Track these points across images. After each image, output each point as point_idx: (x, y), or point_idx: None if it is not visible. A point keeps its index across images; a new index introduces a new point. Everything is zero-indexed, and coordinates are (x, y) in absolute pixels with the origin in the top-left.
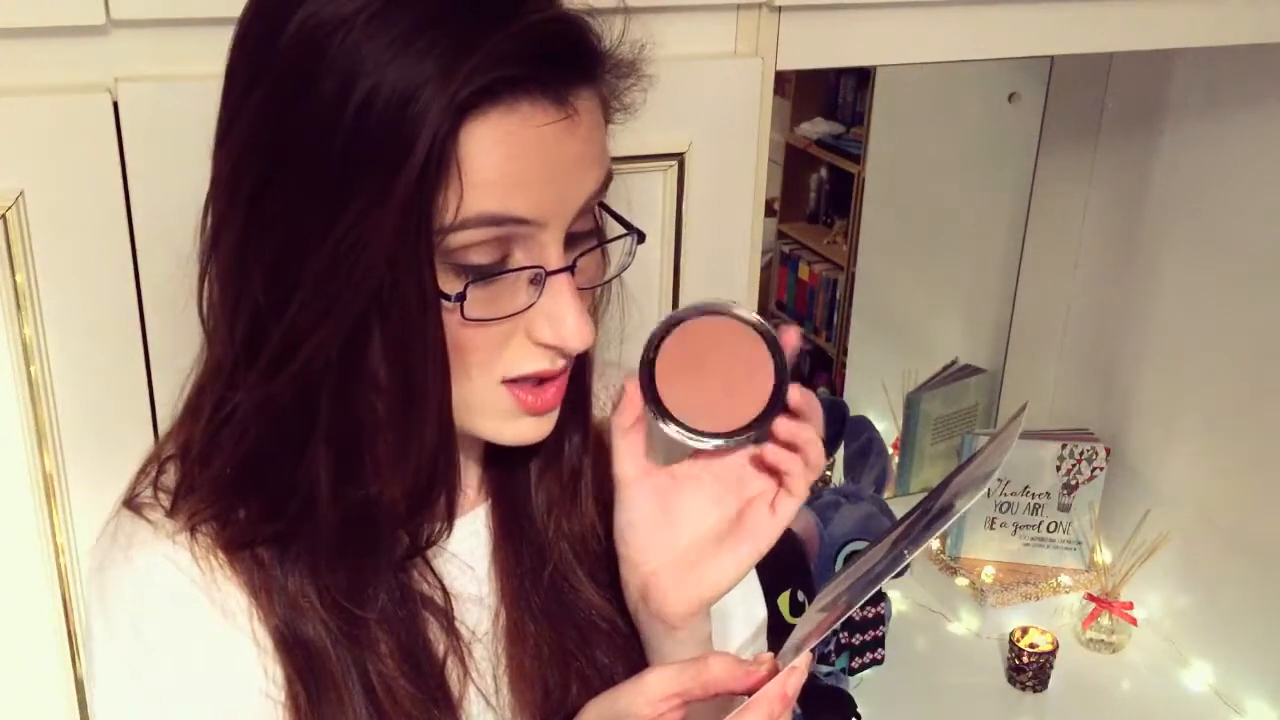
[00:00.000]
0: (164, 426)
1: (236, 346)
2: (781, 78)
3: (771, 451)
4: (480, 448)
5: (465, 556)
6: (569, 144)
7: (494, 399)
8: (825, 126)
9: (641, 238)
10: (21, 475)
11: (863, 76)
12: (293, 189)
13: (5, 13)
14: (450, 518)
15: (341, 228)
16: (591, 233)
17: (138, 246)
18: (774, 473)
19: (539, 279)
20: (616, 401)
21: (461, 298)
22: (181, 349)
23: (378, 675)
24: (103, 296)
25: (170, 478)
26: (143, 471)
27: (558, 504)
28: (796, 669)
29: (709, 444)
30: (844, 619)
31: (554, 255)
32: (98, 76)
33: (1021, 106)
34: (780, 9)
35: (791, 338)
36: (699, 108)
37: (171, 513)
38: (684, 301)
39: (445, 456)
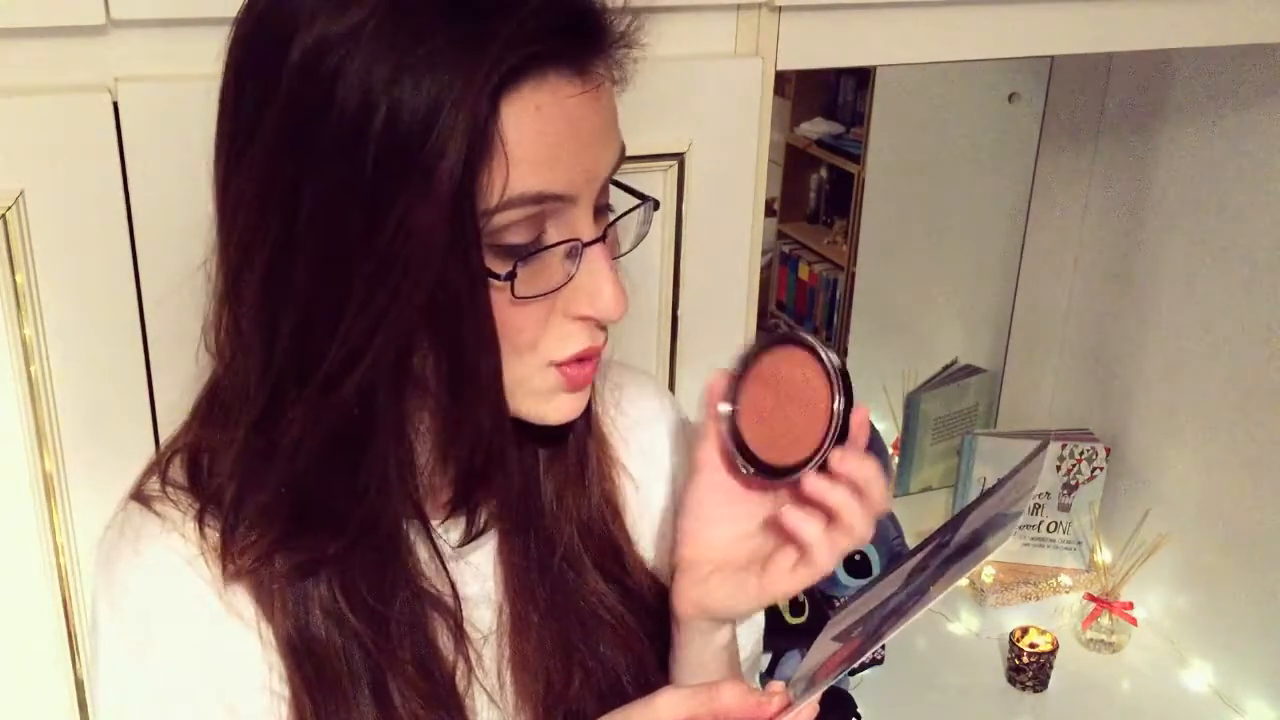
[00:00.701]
0: (164, 426)
1: (278, 366)
2: (781, 78)
3: (789, 513)
4: None
5: (472, 556)
6: (594, 115)
7: (544, 380)
8: (825, 126)
9: (656, 205)
10: (21, 475)
11: (863, 76)
12: (329, 203)
13: (5, 13)
14: (506, 502)
15: (389, 229)
16: (608, 206)
17: (138, 246)
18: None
19: (575, 252)
20: (713, 388)
21: (512, 275)
22: (182, 348)
23: (392, 681)
24: (103, 296)
25: (178, 470)
26: (151, 466)
27: (567, 489)
28: (811, 705)
29: (747, 470)
30: (861, 659)
31: (587, 227)
32: (98, 76)
33: (1021, 106)
34: (780, 9)
35: (860, 415)
36: (699, 108)
37: (223, 558)
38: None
39: (501, 436)
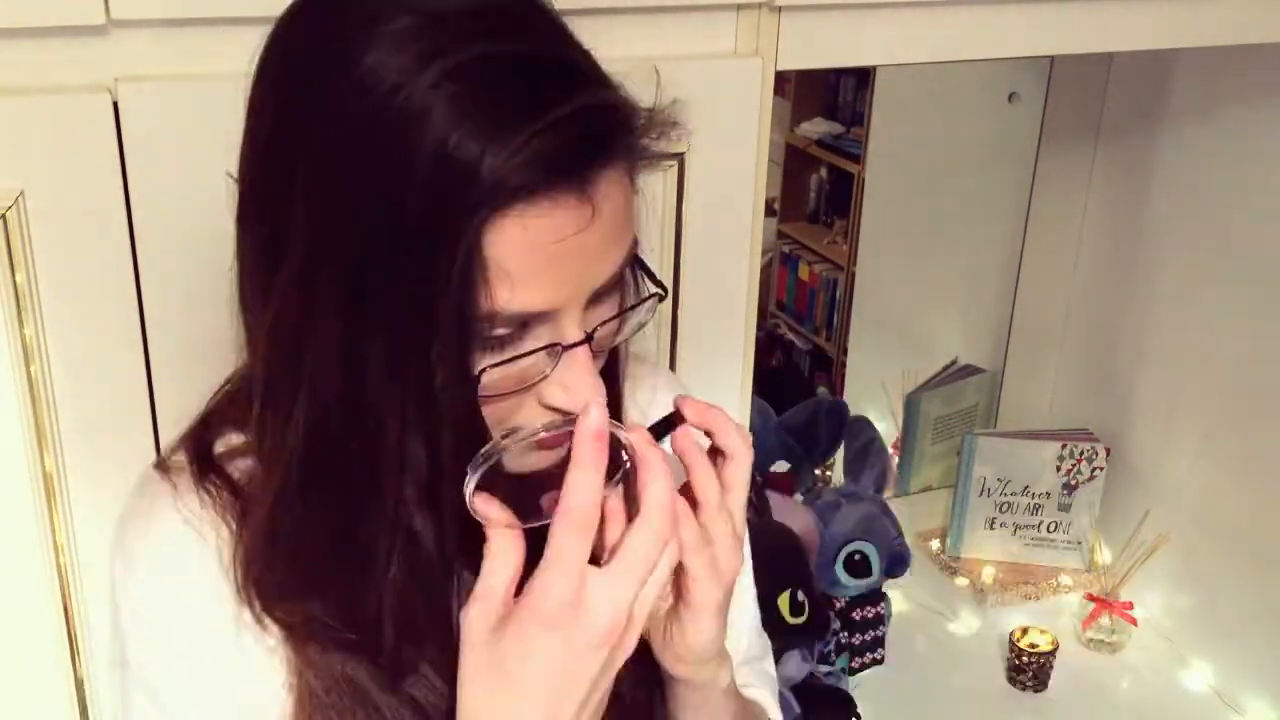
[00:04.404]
0: (164, 426)
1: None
2: (781, 78)
3: None
4: None
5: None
6: (589, 235)
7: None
8: (825, 126)
9: (663, 297)
10: (21, 475)
11: (863, 76)
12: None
13: (5, 13)
14: None
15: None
16: (614, 285)
17: (138, 246)
18: None
19: (555, 352)
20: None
21: (476, 381)
22: (182, 348)
23: (421, 696)
24: (103, 296)
25: (202, 445)
26: (180, 438)
27: None
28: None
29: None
30: None
31: (571, 331)
32: (98, 76)
33: (1021, 106)
34: (780, 9)
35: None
36: (699, 108)
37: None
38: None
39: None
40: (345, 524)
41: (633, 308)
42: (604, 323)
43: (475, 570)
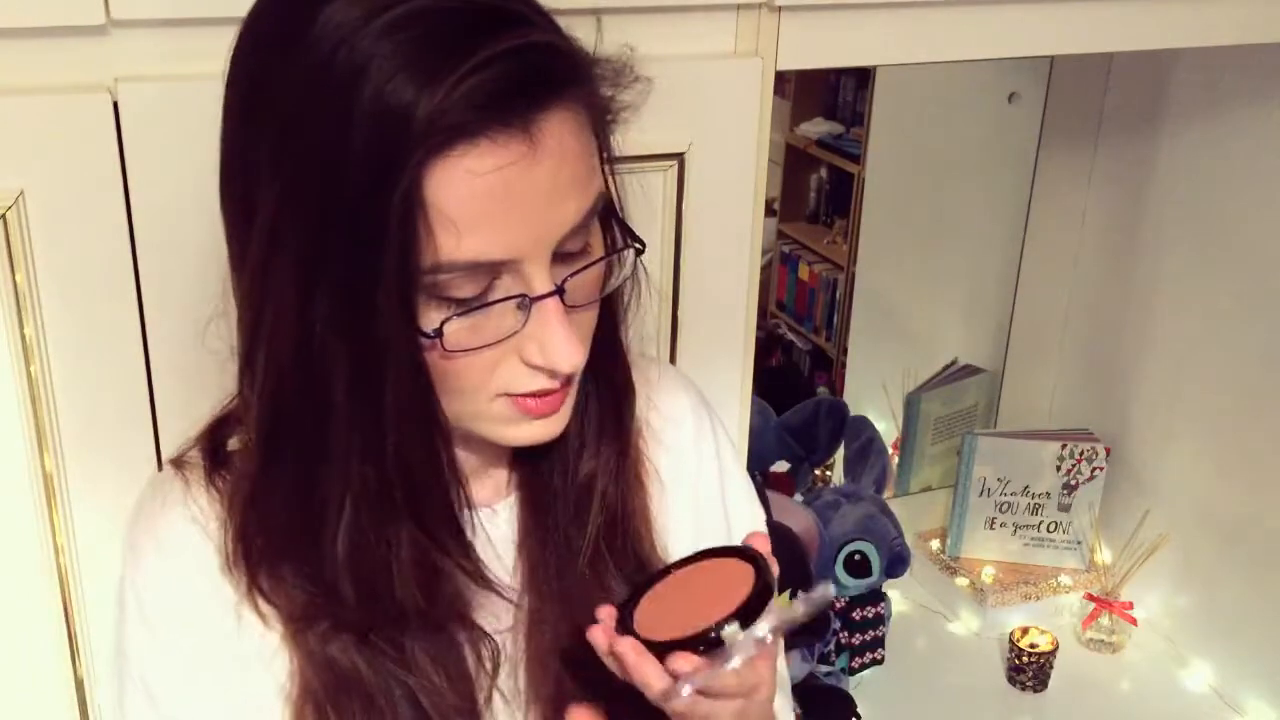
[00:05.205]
0: (164, 426)
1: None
2: (781, 78)
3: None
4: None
5: (498, 545)
6: (535, 176)
7: (495, 409)
8: (825, 126)
9: (640, 250)
10: (21, 475)
11: (863, 76)
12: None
13: (5, 13)
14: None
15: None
16: (581, 239)
17: (138, 246)
18: None
19: (524, 305)
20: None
21: (439, 334)
22: (181, 348)
23: (417, 686)
24: (103, 296)
25: (218, 441)
26: (197, 436)
27: (594, 493)
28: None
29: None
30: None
31: (538, 282)
32: (98, 76)
33: (1021, 106)
34: (780, 9)
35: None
36: (699, 108)
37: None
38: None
39: (436, 469)
40: (304, 483)
41: (603, 258)
42: (573, 273)
43: (421, 525)
